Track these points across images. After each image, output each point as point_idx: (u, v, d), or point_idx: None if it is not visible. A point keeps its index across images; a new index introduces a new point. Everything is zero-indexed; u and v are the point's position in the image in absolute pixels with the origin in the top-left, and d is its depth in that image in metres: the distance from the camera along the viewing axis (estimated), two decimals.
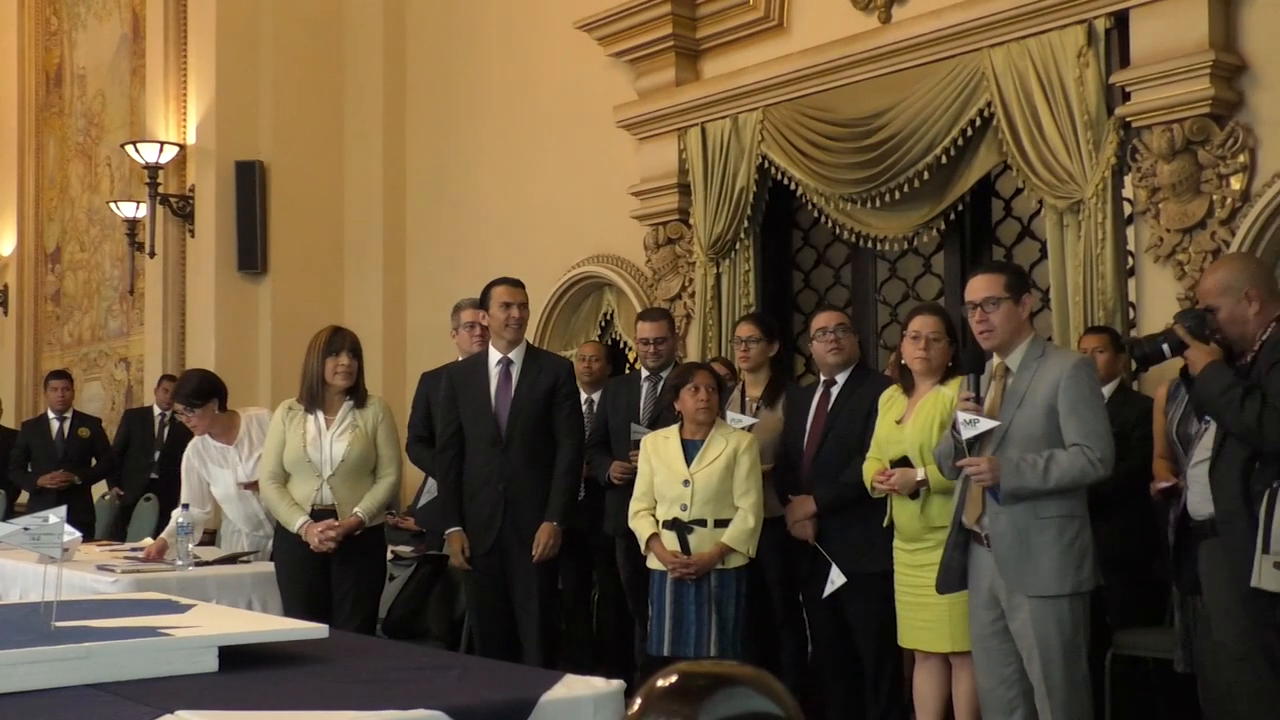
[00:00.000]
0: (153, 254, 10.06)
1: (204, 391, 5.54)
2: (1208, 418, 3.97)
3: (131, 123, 11.38)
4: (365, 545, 5.02)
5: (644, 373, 5.93)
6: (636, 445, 5.32)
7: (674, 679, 1.19)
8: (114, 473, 9.02)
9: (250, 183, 9.33)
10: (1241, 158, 5.15)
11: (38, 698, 2.47)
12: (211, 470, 5.62)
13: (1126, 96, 5.41)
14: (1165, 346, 3.93)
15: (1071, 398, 3.87)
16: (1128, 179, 5.45)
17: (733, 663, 1.22)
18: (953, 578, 4.10)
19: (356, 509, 4.95)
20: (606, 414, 5.94)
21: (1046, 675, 3.88)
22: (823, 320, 5.13)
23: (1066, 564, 3.89)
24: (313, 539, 4.90)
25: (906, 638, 4.56)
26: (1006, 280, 4.00)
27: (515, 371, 5.17)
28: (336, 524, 4.91)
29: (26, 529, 3.03)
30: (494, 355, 5.21)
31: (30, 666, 2.55)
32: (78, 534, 5.34)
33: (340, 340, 5.03)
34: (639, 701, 1.18)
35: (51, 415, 8.94)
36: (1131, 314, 5.46)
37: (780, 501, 5.14)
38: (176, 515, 5.42)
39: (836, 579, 4.89)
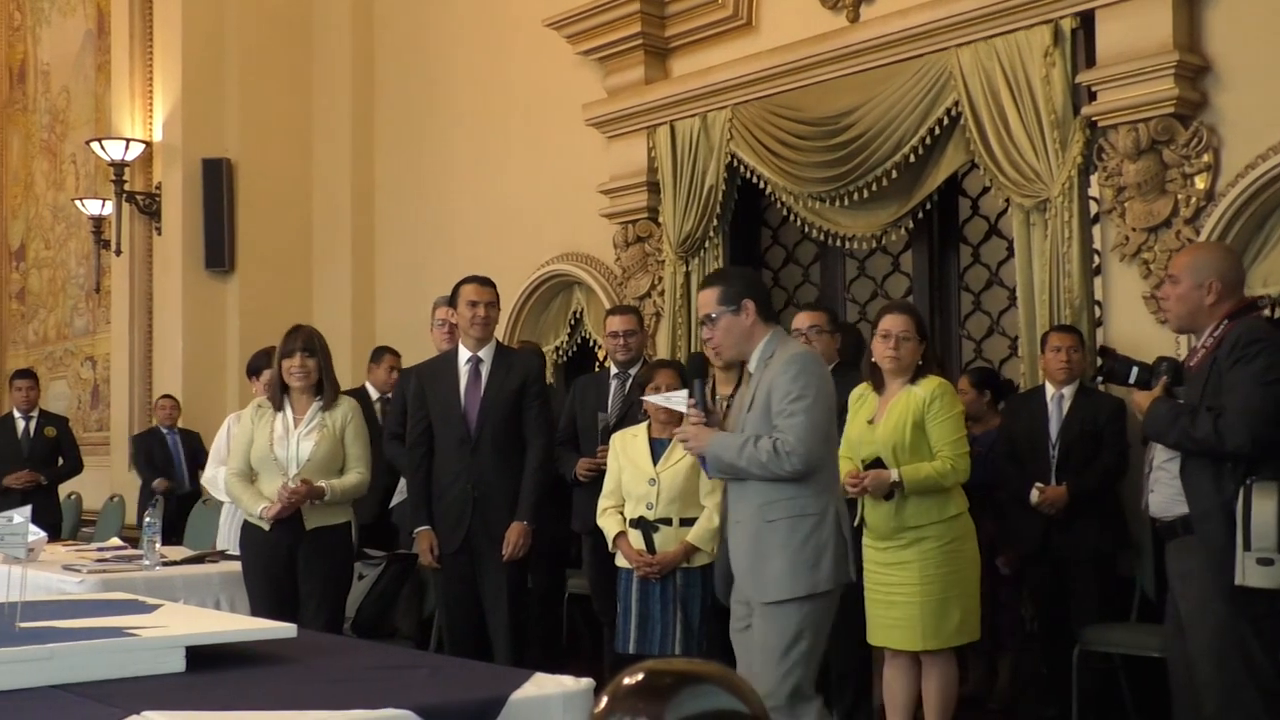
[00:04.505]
0: (119, 252, 10.00)
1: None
2: None
3: (97, 119, 11.30)
4: (331, 543, 5.00)
5: (612, 369, 5.93)
6: (604, 438, 5.32)
7: (640, 677, 1.19)
8: (79, 473, 8.96)
9: (217, 180, 9.29)
10: (1206, 157, 5.19)
11: (3, 699, 2.45)
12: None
13: (1092, 96, 5.45)
14: (1135, 371, 4.00)
15: (776, 393, 3.80)
16: (1094, 178, 5.49)
17: (699, 660, 1.23)
18: (725, 583, 4.01)
19: (322, 481, 4.90)
20: (575, 411, 5.94)
21: (762, 681, 3.72)
22: (797, 321, 5.15)
23: (799, 565, 3.75)
24: (274, 510, 4.86)
25: (876, 635, 4.57)
26: (721, 293, 3.92)
27: (485, 370, 5.15)
28: (293, 489, 4.86)
29: None
30: (463, 354, 5.20)
31: None
32: (43, 534, 5.31)
33: (292, 341, 5.00)
34: (605, 700, 1.18)
35: (17, 414, 8.86)
36: (1098, 312, 5.50)
37: None
38: (145, 515, 5.40)
39: None
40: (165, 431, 8.93)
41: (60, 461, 8.87)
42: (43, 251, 12.47)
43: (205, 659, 2.76)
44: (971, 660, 5.60)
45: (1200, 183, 5.20)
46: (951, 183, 6.22)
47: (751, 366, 3.93)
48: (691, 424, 3.91)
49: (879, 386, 4.60)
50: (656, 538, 4.84)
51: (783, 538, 3.75)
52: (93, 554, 5.79)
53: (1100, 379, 4.87)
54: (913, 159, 5.98)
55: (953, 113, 5.82)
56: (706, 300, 3.92)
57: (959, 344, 6.44)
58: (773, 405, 3.76)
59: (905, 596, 4.44)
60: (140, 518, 7.69)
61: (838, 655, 4.89)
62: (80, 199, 10.80)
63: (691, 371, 4.05)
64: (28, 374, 9.11)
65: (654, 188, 7.12)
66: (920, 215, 6.16)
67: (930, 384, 4.49)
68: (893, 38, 6.03)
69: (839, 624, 4.78)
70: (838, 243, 6.47)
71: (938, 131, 5.90)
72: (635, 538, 4.87)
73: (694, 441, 3.89)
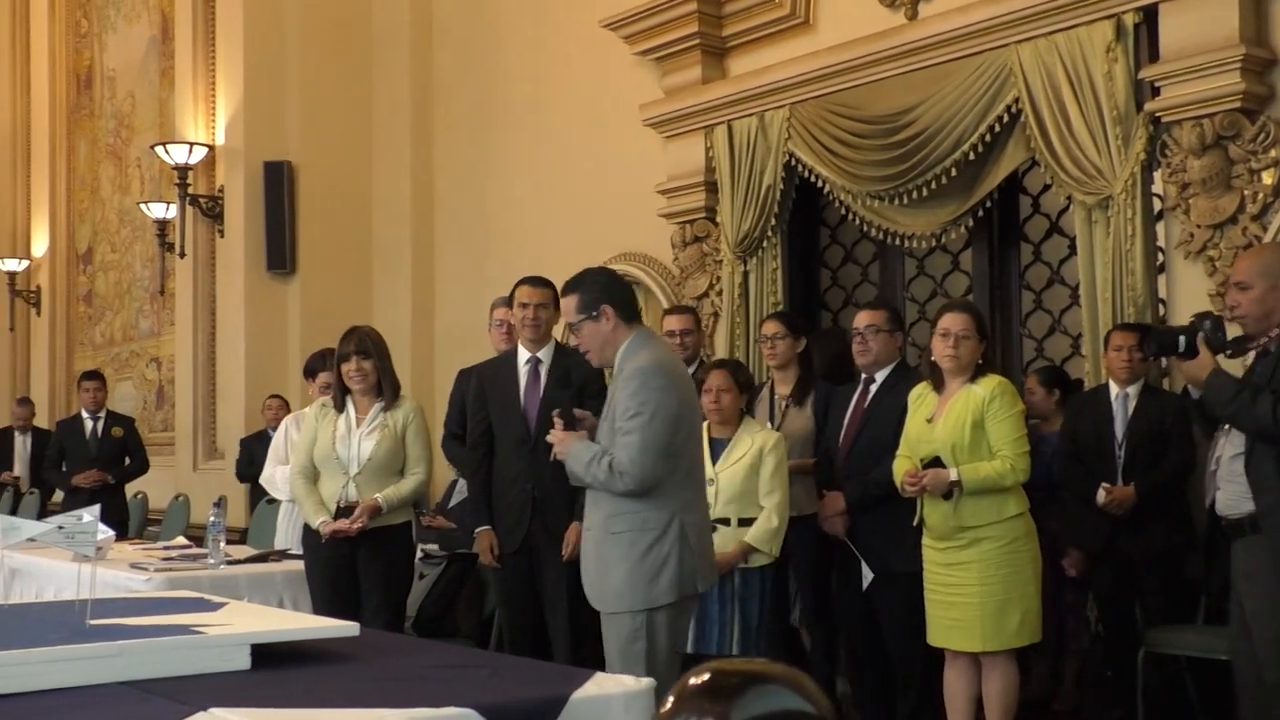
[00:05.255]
0: (183, 254, 10.13)
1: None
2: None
3: (161, 124, 11.45)
4: (392, 542, 5.04)
5: None
6: None
7: (706, 677, 1.19)
8: (145, 472, 9.08)
9: (279, 183, 9.38)
10: (1273, 152, 5.11)
11: (73, 695, 2.49)
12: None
13: (1156, 91, 5.38)
14: (1182, 339, 3.95)
15: (618, 409, 3.83)
16: (1157, 174, 5.42)
17: (766, 660, 1.23)
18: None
19: (377, 494, 4.95)
20: None
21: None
22: (856, 320, 5.13)
23: (638, 578, 3.78)
24: (331, 527, 4.93)
25: (936, 636, 4.55)
26: (579, 300, 3.93)
27: (544, 370, 5.17)
28: (353, 515, 4.91)
29: (61, 528, 3.05)
30: (523, 354, 5.22)
31: (66, 664, 2.57)
32: (111, 533, 5.40)
33: (347, 345, 5.05)
34: (671, 700, 1.18)
35: (85, 415, 9.00)
36: (1162, 310, 5.43)
37: (820, 497, 5.14)
38: (210, 514, 5.47)
39: (866, 575, 4.89)
40: (272, 434, 9.00)
41: (127, 461, 9.00)
42: (109, 255, 12.66)
43: (269, 657, 2.79)
44: (1035, 662, 5.55)
45: (1267, 178, 5.12)
46: (1012, 180, 6.16)
47: (617, 373, 3.96)
48: (561, 431, 3.98)
49: (938, 385, 4.57)
50: (715, 538, 4.83)
51: (623, 551, 3.80)
52: (159, 553, 5.88)
53: (1156, 357, 4.79)
54: (972, 157, 5.93)
55: (1013, 110, 5.76)
56: (566, 309, 3.97)
57: (1020, 343, 6.38)
58: (615, 421, 3.81)
59: (965, 597, 4.41)
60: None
61: (902, 655, 4.87)
62: (145, 203, 10.95)
63: (561, 383, 4.09)
64: (95, 375, 9.25)
65: (712, 187, 7.10)
66: (980, 213, 6.11)
67: (990, 383, 4.46)
68: (952, 35, 5.98)
69: (902, 623, 4.80)
70: (897, 241, 6.43)
71: (998, 129, 5.85)
72: None
73: (558, 448, 3.96)
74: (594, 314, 3.89)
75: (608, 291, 3.95)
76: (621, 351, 3.90)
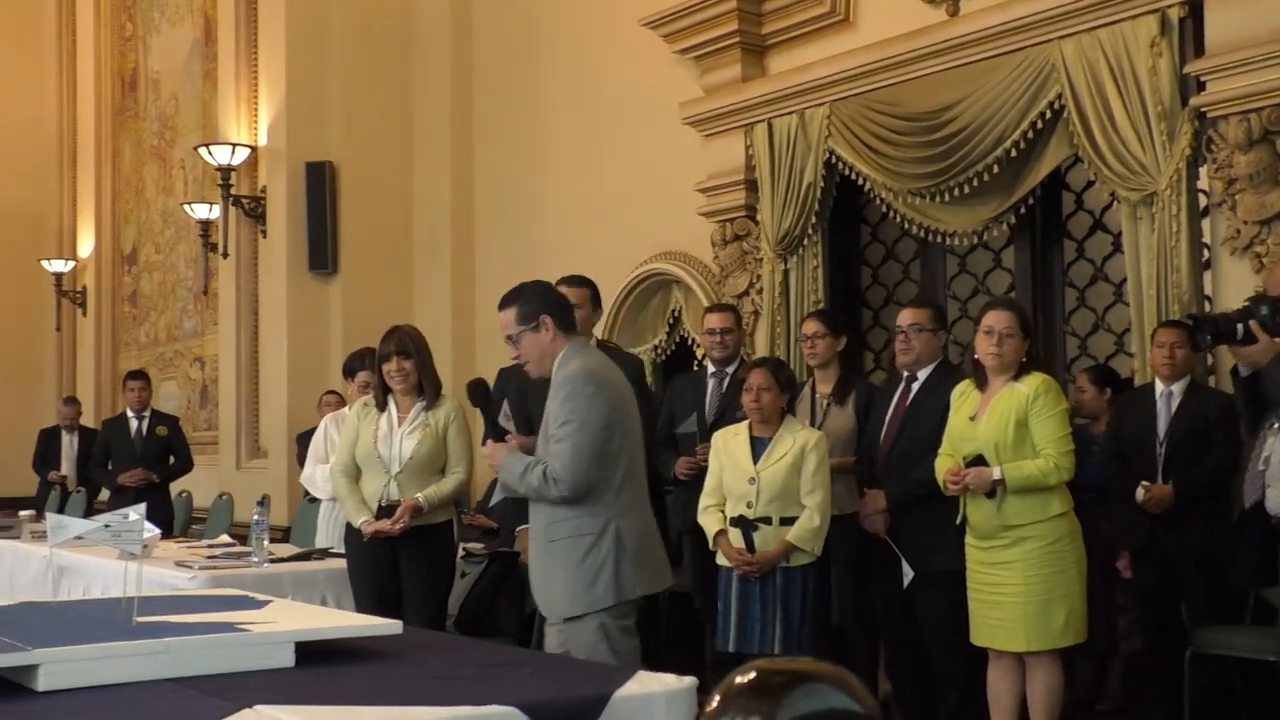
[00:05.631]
0: (226, 255, 10.21)
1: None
2: None
3: (204, 125, 11.54)
4: (434, 541, 5.06)
5: (710, 368, 5.91)
6: (698, 440, 5.32)
7: (752, 676, 1.19)
8: (189, 471, 9.16)
9: (320, 183, 9.43)
10: None
11: (120, 691, 2.52)
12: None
13: (1201, 86, 5.33)
14: (1240, 326, 3.90)
15: (550, 417, 3.88)
16: (1203, 170, 5.37)
17: (811, 659, 1.22)
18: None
19: (418, 494, 4.97)
20: (673, 410, 5.94)
21: None
22: (899, 318, 5.11)
23: (578, 584, 3.83)
24: (373, 528, 4.96)
25: (980, 636, 4.52)
26: (519, 312, 3.97)
27: None
28: (395, 515, 4.94)
29: (108, 526, 3.08)
30: None
31: (113, 661, 2.60)
32: (157, 531, 5.44)
33: (387, 345, 5.06)
34: (717, 698, 1.18)
35: (130, 414, 9.09)
36: (1208, 307, 5.38)
37: (861, 496, 5.12)
38: (254, 513, 5.51)
39: (906, 573, 4.87)
40: None
41: (171, 460, 9.08)
42: (153, 255, 12.77)
43: (313, 654, 2.80)
44: (1080, 661, 5.51)
45: None
46: (1055, 177, 6.11)
47: (555, 378, 3.98)
48: (494, 444, 4.02)
49: (981, 383, 4.54)
50: (756, 537, 4.83)
51: (563, 557, 3.86)
52: (203, 551, 5.92)
53: (1211, 346, 4.73)
54: (1014, 153, 5.90)
55: (1055, 106, 5.72)
56: (505, 321, 3.99)
57: (1063, 340, 6.34)
58: (548, 429, 3.86)
59: (1008, 597, 4.38)
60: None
61: (942, 655, 4.84)
62: (188, 203, 11.04)
63: (474, 400, 4.09)
64: (140, 375, 9.34)
65: (752, 185, 7.09)
66: (1022, 210, 6.07)
67: (1034, 381, 4.43)
68: (993, 31, 5.95)
69: (943, 623, 4.77)
70: (938, 239, 6.40)
71: (1040, 125, 5.81)
72: (735, 536, 4.87)
73: (489, 461, 4.02)
74: (534, 325, 3.95)
75: (546, 303, 4.00)
76: (559, 361, 3.96)
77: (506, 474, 3.95)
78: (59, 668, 2.52)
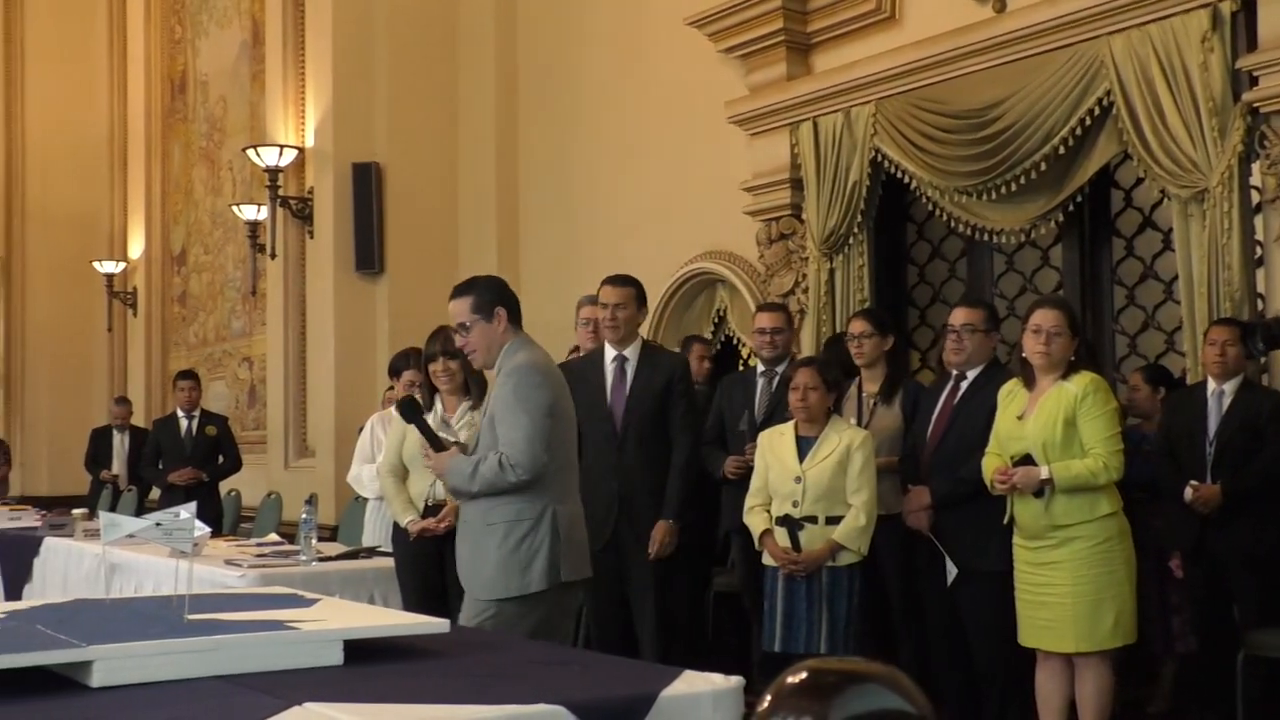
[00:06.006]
0: (274, 255, 10.29)
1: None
2: None
3: (252, 127, 11.64)
4: None
5: (759, 367, 5.90)
6: (749, 436, 5.31)
7: (804, 676, 1.18)
8: (238, 470, 9.24)
9: (367, 184, 9.48)
10: None
11: (172, 688, 2.54)
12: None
13: (1254, 81, 5.27)
14: None
15: (498, 406, 3.94)
16: (1255, 166, 5.30)
17: (863, 659, 1.22)
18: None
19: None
20: (722, 409, 5.93)
21: None
22: (952, 317, 5.08)
23: (511, 566, 3.91)
24: (419, 527, 4.99)
25: (1028, 637, 4.49)
26: (475, 302, 4.01)
27: (630, 369, 5.19)
28: (441, 514, 4.96)
29: (159, 524, 3.11)
30: (609, 352, 5.24)
31: (164, 658, 2.62)
32: (206, 529, 5.48)
33: (433, 345, 5.08)
34: (768, 698, 1.18)
35: (180, 414, 9.17)
36: (1260, 305, 5.32)
37: (905, 493, 5.10)
38: (302, 512, 5.55)
39: (950, 572, 4.85)
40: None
41: (221, 459, 9.16)
42: (202, 256, 12.89)
43: (361, 652, 2.82)
44: (1131, 663, 5.45)
45: None
46: (1103, 174, 6.06)
47: (497, 373, 4.04)
48: (435, 453, 4.06)
49: (1029, 382, 4.51)
50: (802, 536, 4.82)
51: (499, 540, 3.92)
52: (252, 549, 5.96)
53: (1265, 351, 4.67)
54: (1062, 150, 5.85)
55: (1104, 102, 5.67)
56: (460, 309, 4.02)
57: (1112, 339, 6.28)
58: (496, 419, 3.93)
59: (1056, 597, 4.35)
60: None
61: (985, 655, 4.81)
62: (237, 204, 11.13)
63: (405, 417, 4.11)
64: (190, 375, 9.42)
65: (797, 184, 7.07)
66: (1070, 208, 6.02)
67: (1083, 380, 4.39)
68: (1041, 27, 5.90)
69: (987, 623, 4.74)
70: (985, 237, 6.36)
71: (1088, 122, 5.76)
72: (781, 536, 4.86)
73: (434, 469, 4.09)
74: (488, 316, 4.01)
75: (501, 296, 4.07)
76: (503, 354, 4.03)
77: (455, 477, 4.01)
78: (113, 664, 2.55)
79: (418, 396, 5.22)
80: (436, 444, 4.11)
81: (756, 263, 7.38)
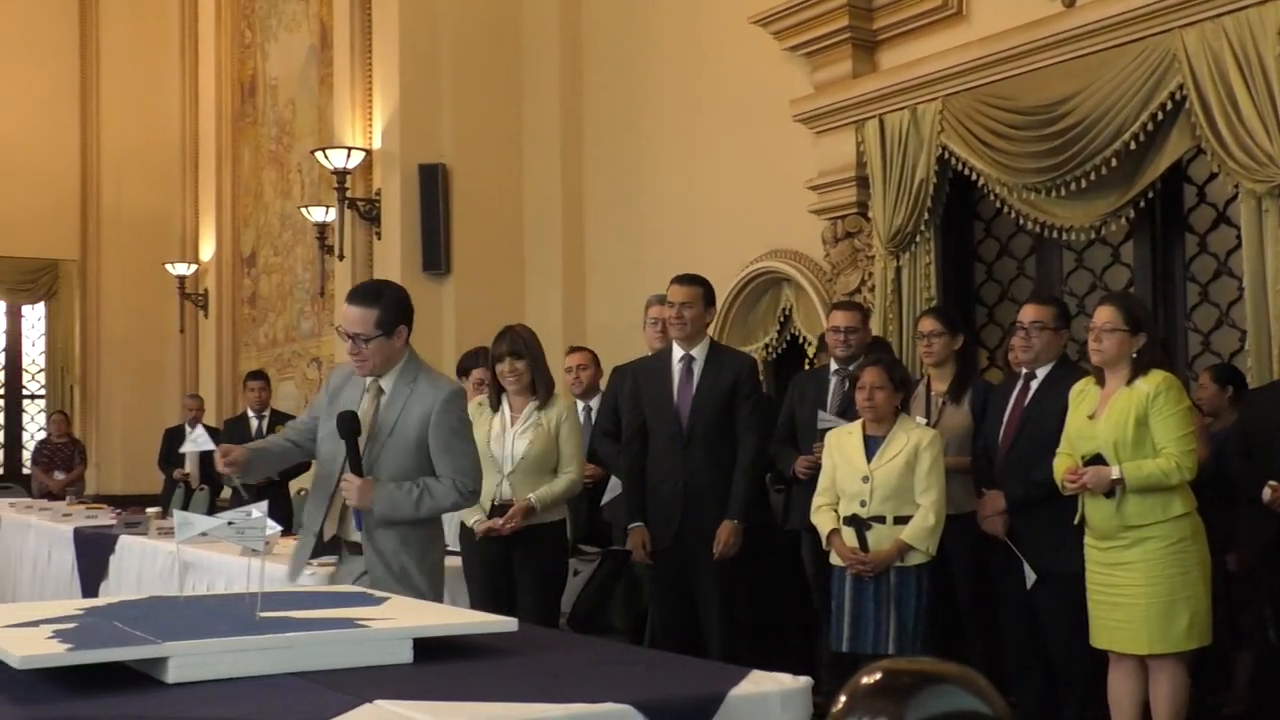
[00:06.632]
0: (341, 256, 10.38)
1: None
2: None
3: (320, 130, 11.76)
4: (546, 541, 5.08)
5: (832, 365, 5.86)
6: (822, 435, 5.29)
7: (879, 676, 1.18)
8: (307, 470, 9.32)
9: (433, 185, 9.55)
10: None
11: (244, 684, 2.57)
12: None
13: None
14: None
15: (446, 434, 3.92)
16: None
17: (938, 660, 1.21)
18: None
19: (530, 495, 5.00)
20: (794, 407, 5.90)
21: None
22: (1021, 314, 5.03)
23: (432, 577, 4.03)
24: (485, 526, 5.00)
25: (1100, 638, 4.44)
26: (380, 318, 3.88)
27: (697, 368, 5.18)
28: (506, 516, 4.98)
29: (231, 523, 3.15)
30: (676, 352, 5.24)
31: (238, 654, 2.65)
32: (278, 528, 5.53)
33: (500, 345, 5.08)
34: (843, 699, 1.17)
35: (250, 414, 9.28)
36: None
37: (978, 496, 5.06)
38: None
39: (1029, 576, 4.80)
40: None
41: None
42: (271, 258, 13.04)
43: (430, 650, 2.83)
44: (1205, 663, 5.37)
45: None
46: (1175, 169, 5.97)
47: (386, 385, 3.95)
48: (355, 479, 3.93)
49: (1103, 381, 4.46)
50: (870, 536, 4.80)
51: (419, 553, 4.00)
52: None
53: None
54: (1133, 146, 5.77)
55: (1177, 97, 5.59)
56: (362, 320, 3.86)
57: (1185, 337, 6.19)
58: (434, 443, 3.89)
59: (1129, 598, 4.30)
60: None
61: (1064, 658, 4.76)
62: (305, 206, 11.26)
63: (341, 433, 3.91)
64: (260, 375, 9.53)
65: (863, 182, 7.03)
66: (1142, 204, 5.94)
67: (1155, 379, 4.33)
68: (1112, 21, 5.82)
69: (1064, 625, 4.68)
70: (1054, 234, 6.29)
71: (1160, 117, 5.67)
72: (849, 535, 4.84)
73: (358, 501, 3.94)
74: (389, 332, 3.91)
75: (406, 313, 3.99)
76: (400, 369, 3.98)
77: (389, 506, 3.90)
78: (188, 660, 2.58)
79: (484, 396, 5.24)
80: (358, 468, 3.94)
81: (822, 261, 7.35)
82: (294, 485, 9.50)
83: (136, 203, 14.45)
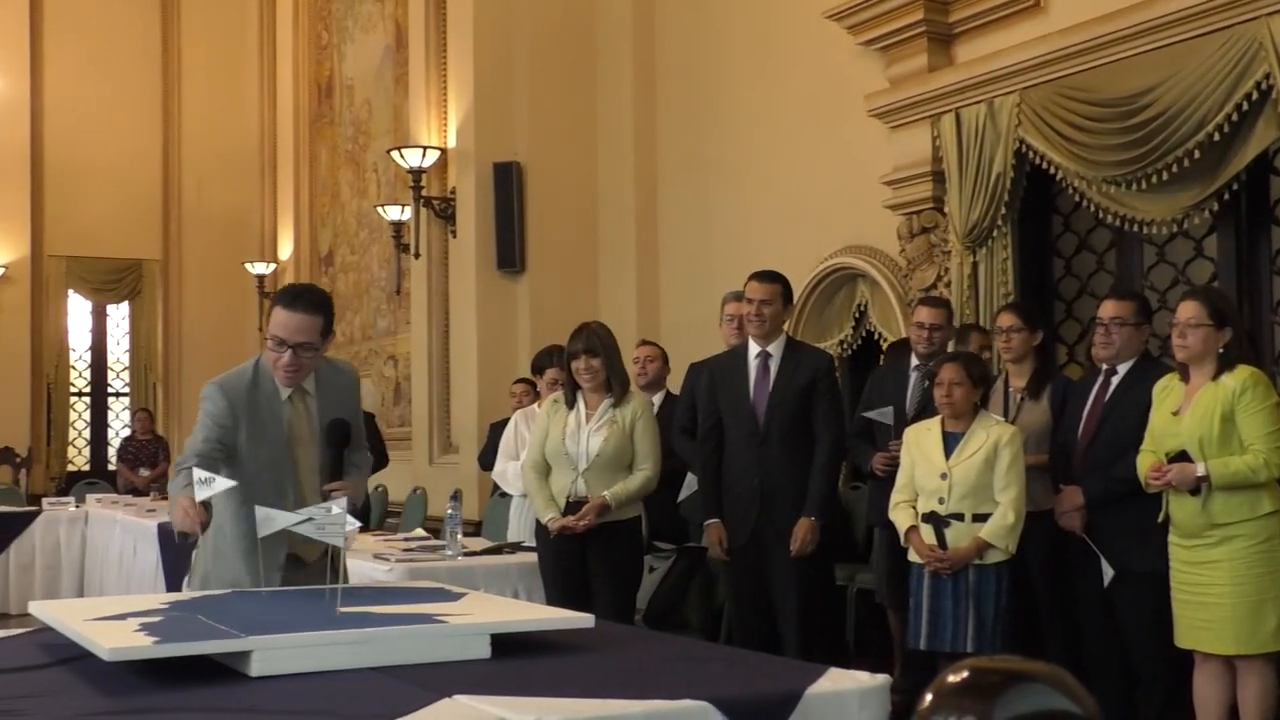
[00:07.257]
0: (417, 255, 10.47)
1: None
2: None
3: (395, 129, 11.87)
4: (621, 538, 5.09)
5: (913, 361, 5.81)
6: (900, 432, 5.26)
7: (965, 675, 1.16)
8: (385, 466, 9.41)
9: (508, 183, 9.60)
10: None
11: (325, 678, 2.60)
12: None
13: None
14: None
15: (358, 410, 4.01)
16: None
17: (1025, 658, 1.19)
18: None
19: (605, 492, 5.01)
20: (871, 403, 5.86)
21: None
22: (1101, 310, 4.95)
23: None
24: (559, 524, 5.00)
25: (1185, 638, 4.36)
26: (325, 324, 3.73)
27: (774, 365, 5.16)
28: (580, 513, 4.98)
29: (312, 519, 3.20)
30: (753, 348, 5.22)
31: (318, 649, 2.69)
32: (356, 524, 5.61)
33: (575, 343, 5.09)
34: (929, 697, 1.16)
35: None
36: None
37: (1056, 492, 5.00)
38: (448, 507, 5.65)
39: (1106, 572, 4.73)
40: None
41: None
42: (348, 256, 13.19)
43: (507, 646, 2.85)
44: None
45: None
46: (1261, 161, 5.85)
47: (310, 386, 3.81)
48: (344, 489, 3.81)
49: (1188, 377, 4.38)
50: (948, 533, 4.75)
51: None
52: (399, 544, 6.08)
53: None
54: (1217, 137, 5.66)
55: (1263, 86, 5.47)
56: (309, 328, 3.66)
57: (1271, 331, 6.06)
58: (355, 432, 3.90)
59: (1215, 598, 4.22)
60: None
61: (1144, 657, 4.69)
62: (381, 205, 11.36)
63: (330, 441, 3.81)
64: None
65: (939, 177, 6.97)
66: (1226, 197, 5.82)
67: (1241, 374, 4.25)
68: (1194, 10, 5.71)
69: (1145, 624, 4.61)
70: (1135, 228, 6.18)
71: (1245, 107, 5.56)
72: (927, 533, 4.80)
73: (347, 491, 3.81)
74: (325, 340, 3.77)
75: (333, 318, 3.84)
76: (321, 370, 3.86)
77: (355, 493, 3.89)
78: (270, 654, 2.62)
79: (559, 394, 5.26)
80: (339, 474, 3.87)
81: (898, 257, 7.29)
82: (371, 482, 9.60)
83: (217, 203, 14.68)
